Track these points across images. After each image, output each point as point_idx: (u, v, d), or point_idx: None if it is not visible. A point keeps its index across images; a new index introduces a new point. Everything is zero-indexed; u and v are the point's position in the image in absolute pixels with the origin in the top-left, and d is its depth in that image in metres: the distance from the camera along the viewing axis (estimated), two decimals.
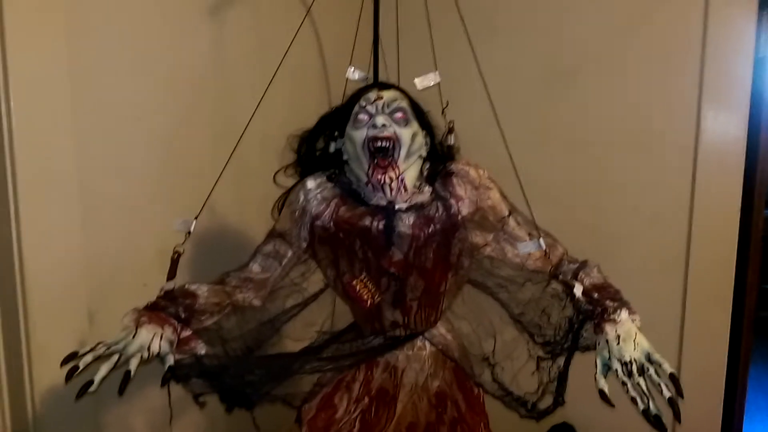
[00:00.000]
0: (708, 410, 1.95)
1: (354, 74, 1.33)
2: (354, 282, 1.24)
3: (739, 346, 1.97)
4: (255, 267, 1.29)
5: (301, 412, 1.33)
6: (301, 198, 1.27)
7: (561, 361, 1.24)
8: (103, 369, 0.98)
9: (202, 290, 1.20)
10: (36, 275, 1.21)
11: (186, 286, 1.20)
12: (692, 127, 1.88)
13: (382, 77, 1.84)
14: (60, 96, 1.23)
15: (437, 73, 1.28)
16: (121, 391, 0.96)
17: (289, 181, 1.33)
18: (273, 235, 1.31)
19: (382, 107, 1.21)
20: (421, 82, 1.27)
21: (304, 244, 1.29)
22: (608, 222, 2.01)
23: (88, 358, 0.99)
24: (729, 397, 1.98)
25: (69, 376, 0.97)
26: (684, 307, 1.95)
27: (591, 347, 1.15)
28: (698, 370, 1.88)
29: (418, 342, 1.32)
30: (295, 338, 1.43)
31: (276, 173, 1.35)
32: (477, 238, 1.27)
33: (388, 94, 1.22)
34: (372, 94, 1.23)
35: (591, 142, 2.02)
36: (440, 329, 1.34)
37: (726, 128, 1.86)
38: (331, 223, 1.24)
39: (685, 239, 1.92)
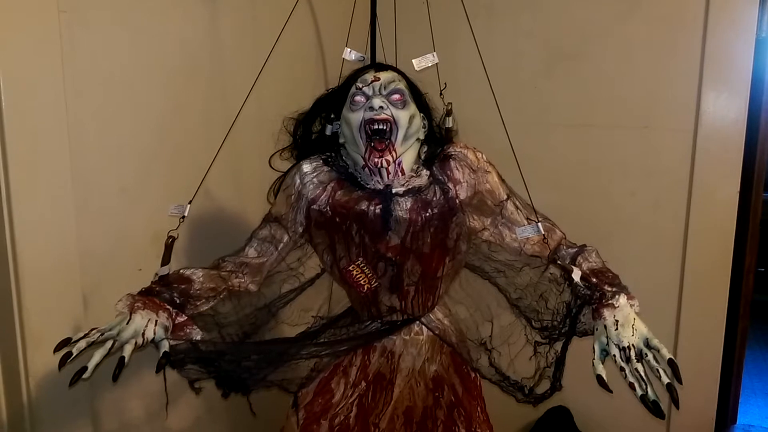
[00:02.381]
0: (704, 394, 1.96)
1: (350, 55, 1.31)
2: (351, 267, 1.23)
3: (736, 330, 1.98)
4: (251, 252, 1.28)
5: (298, 397, 1.33)
6: (297, 182, 1.25)
7: (558, 346, 1.24)
8: (97, 355, 0.97)
9: (197, 275, 1.19)
10: (29, 261, 1.21)
11: (181, 271, 1.19)
12: (692, 109, 1.86)
13: (379, 58, 1.82)
14: (52, 80, 1.21)
15: (435, 53, 1.26)
16: (116, 377, 0.95)
17: (285, 165, 1.32)
18: (269, 219, 1.30)
19: (379, 89, 1.19)
20: (418, 63, 1.25)
21: (300, 229, 1.27)
22: (606, 206, 2.00)
23: (82, 344, 0.98)
24: (725, 381, 1.99)
25: (63, 363, 0.96)
26: (681, 291, 1.95)
27: (589, 332, 1.15)
28: (694, 355, 1.89)
29: (415, 327, 1.31)
30: (292, 323, 1.42)
31: (271, 156, 1.33)
32: (475, 222, 1.25)
33: (385, 75, 1.20)
34: (369, 75, 1.20)
35: (590, 125, 2.01)
36: (437, 314, 1.34)
37: (726, 111, 1.84)
38: (328, 208, 1.22)
39: (683, 223, 1.92)
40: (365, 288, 1.24)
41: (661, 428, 2.02)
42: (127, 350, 0.98)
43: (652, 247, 1.96)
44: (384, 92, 1.19)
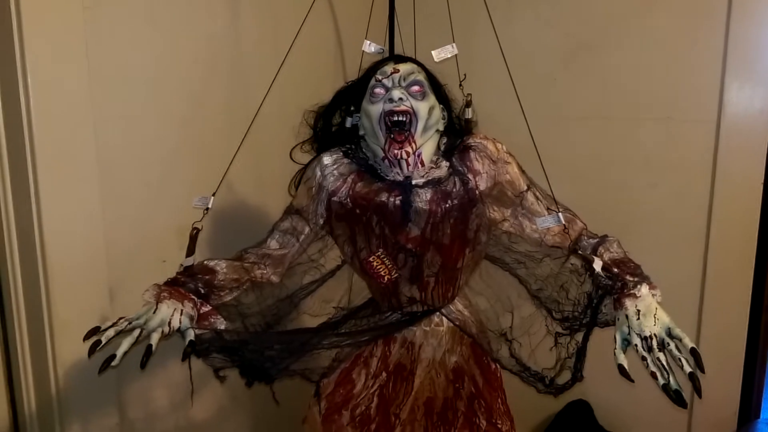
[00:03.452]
0: (726, 388, 1.94)
1: (370, 47, 1.31)
2: (371, 258, 1.24)
3: (759, 324, 1.95)
4: (273, 243, 1.30)
5: (320, 386, 1.35)
6: (318, 174, 1.26)
7: (579, 336, 1.24)
8: (125, 343, 0.99)
9: (221, 266, 1.21)
10: (57, 253, 1.23)
11: (205, 263, 1.21)
12: (715, 100, 1.84)
13: (398, 50, 1.82)
14: (78, 75, 1.23)
15: (454, 45, 1.25)
16: (143, 365, 0.97)
17: (306, 157, 1.33)
18: (290, 211, 1.31)
19: (399, 80, 1.19)
20: (438, 55, 1.25)
21: (321, 221, 1.28)
22: (628, 198, 1.98)
23: (110, 332, 1.00)
24: (748, 375, 1.96)
25: (92, 351, 0.98)
26: (703, 284, 1.92)
27: (610, 323, 1.14)
28: (717, 348, 1.86)
29: (436, 318, 1.32)
30: (313, 314, 1.44)
31: (292, 149, 1.35)
32: (495, 213, 1.25)
33: (404, 67, 1.20)
34: (388, 68, 1.21)
35: (611, 117, 1.99)
36: (457, 305, 1.34)
37: (750, 101, 1.81)
38: (348, 199, 1.23)
39: (706, 215, 1.89)
40: (385, 279, 1.24)
41: (682, 423, 2.00)
42: (154, 338, 1.00)
43: (674, 239, 1.94)
44: (403, 84, 1.19)
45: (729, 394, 1.96)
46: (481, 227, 1.25)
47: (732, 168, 1.85)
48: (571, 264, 1.26)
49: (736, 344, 1.93)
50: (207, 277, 1.17)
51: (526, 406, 1.55)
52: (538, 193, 1.26)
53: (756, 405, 2.01)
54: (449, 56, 1.25)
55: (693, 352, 0.98)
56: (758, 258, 1.88)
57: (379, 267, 1.24)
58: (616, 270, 1.13)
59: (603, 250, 1.20)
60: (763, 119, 1.81)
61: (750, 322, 1.92)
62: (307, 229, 1.30)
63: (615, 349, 1.04)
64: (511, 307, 1.39)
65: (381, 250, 1.23)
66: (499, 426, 1.34)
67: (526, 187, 1.26)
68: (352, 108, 1.27)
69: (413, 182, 1.21)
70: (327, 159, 1.27)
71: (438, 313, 1.31)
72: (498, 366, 1.36)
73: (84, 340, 1.01)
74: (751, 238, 1.87)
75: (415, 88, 1.19)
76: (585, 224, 1.29)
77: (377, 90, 1.20)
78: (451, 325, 1.32)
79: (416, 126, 1.17)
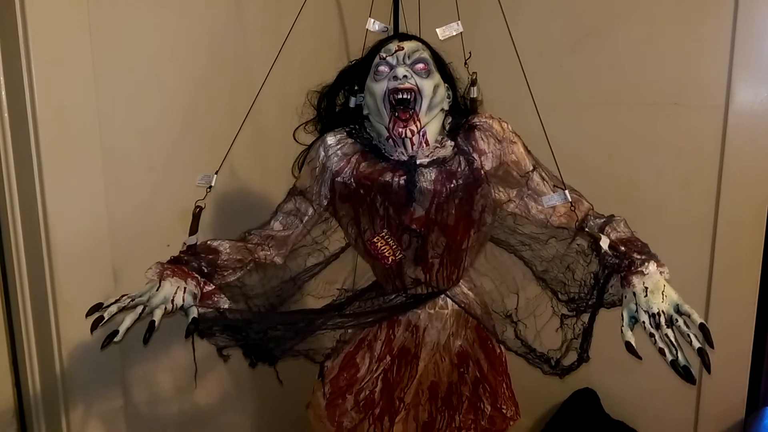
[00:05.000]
0: (734, 377, 1.92)
1: (374, 25, 1.30)
2: (375, 239, 1.23)
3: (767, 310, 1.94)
4: (276, 225, 1.29)
5: (324, 368, 1.34)
6: (321, 154, 1.25)
7: (585, 317, 1.22)
8: (128, 320, 0.99)
9: (225, 246, 1.20)
10: (61, 235, 1.23)
11: (208, 242, 1.20)
12: (723, 85, 1.82)
13: (402, 28, 1.81)
14: (82, 58, 1.23)
15: (459, 23, 1.24)
16: (146, 340, 0.96)
17: (309, 138, 1.32)
18: (294, 192, 1.30)
19: (403, 58, 1.18)
20: (443, 32, 1.23)
21: (325, 202, 1.27)
22: (634, 186, 1.96)
23: (113, 308, 0.99)
24: (756, 363, 1.95)
25: (94, 326, 0.98)
26: (711, 273, 1.91)
27: (617, 303, 1.13)
28: (725, 337, 1.83)
29: (440, 300, 1.31)
30: (317, 296, 1.43)
31: (296, 130, 1.34)
32: (500, 193, 1.24)
33: (409, 45, 1.19)
34: (392, 45, 1.19)
35: (616, 103, 1.97)
36: (462, 287, 1.33)
37: (758, 86, 1.79)
38: (352, 180, 1.22)
39: (713, 202, 1.88)
40: (389, 260, 1.23)
41: (690, 411, 1.98)
42: (157, 315, 0.99)
43: (681, 227, 1.92)
44: (408, 62, 1.18)
45: (737, 382, 1.94)
46: (487, 208, 1.24)
47: (740, 154, 1.83)
48: (578, 244, 1.24)
49: (744, 332, 1.91)
50: (210, 256, 1.16)
51: (532, 395, 1.54)
52: (543, 174, 1.25)
53: (764, 393, 2.00)
54: (454, 34, 1.24)
55: (702, 327, 0.96)
56: (767, 244, 1.87)
57: (383, 248, 1.23)
58: (623, 248, 1.12)
59: (610, 230, 1.18)
60: None
61: (758, 309, 1.90)
62: (310, 210, 1.29)
63: (622, 326, 1.02)
64: (517, 288, 1.38)
65: (385, 230, 1.22)
66: (504, 411, 1.34)
67: (531, 167, 1.24)
68: (356, 87, 1.26)
69: (418, 162, 1.19)
70: (331, 139, 1.26)
71: (442, 295, 1.30)
72: (503, 350, 1.35)
73: (86, 316, 1.00)
74: (759, 223, 1.85)
75: (420, 65, 1.18)
76: (591, 205, 1.28)
77: (381, 68, 1.19)
78: (456, 307, 1.31)
79: (421, 104, 1.16)
